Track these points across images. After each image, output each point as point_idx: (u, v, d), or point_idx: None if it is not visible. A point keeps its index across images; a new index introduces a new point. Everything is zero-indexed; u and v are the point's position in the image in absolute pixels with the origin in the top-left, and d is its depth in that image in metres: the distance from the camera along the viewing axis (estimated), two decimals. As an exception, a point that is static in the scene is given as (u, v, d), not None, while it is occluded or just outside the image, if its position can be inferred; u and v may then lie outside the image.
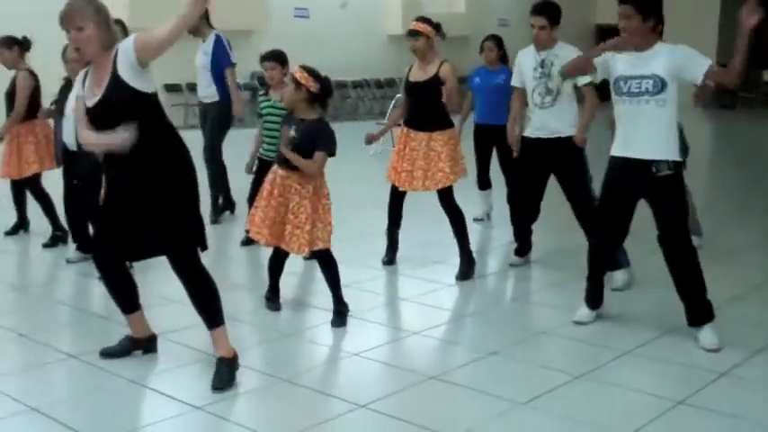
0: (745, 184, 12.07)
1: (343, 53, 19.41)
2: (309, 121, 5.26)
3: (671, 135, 5.01)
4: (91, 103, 4.28)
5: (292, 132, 5.25)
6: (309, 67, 5.29)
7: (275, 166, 5.41)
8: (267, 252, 7.32)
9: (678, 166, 5.05)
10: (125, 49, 4.17)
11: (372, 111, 20.44)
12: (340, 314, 5.45)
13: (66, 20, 4.19)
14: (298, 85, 5.19)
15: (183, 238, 4.39)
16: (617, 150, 5.14)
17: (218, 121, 8.54)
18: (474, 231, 8.34)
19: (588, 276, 5.44)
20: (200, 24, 8.53)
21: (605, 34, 6.63)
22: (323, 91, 5.27)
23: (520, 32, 6.53)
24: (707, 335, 5.02)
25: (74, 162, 6.49)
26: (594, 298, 5.45)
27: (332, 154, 5.32)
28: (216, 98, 8.53)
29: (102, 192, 4.47)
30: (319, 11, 20.88)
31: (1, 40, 7.52)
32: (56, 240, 7.56)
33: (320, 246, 5.32)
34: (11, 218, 7.95)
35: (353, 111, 20.56)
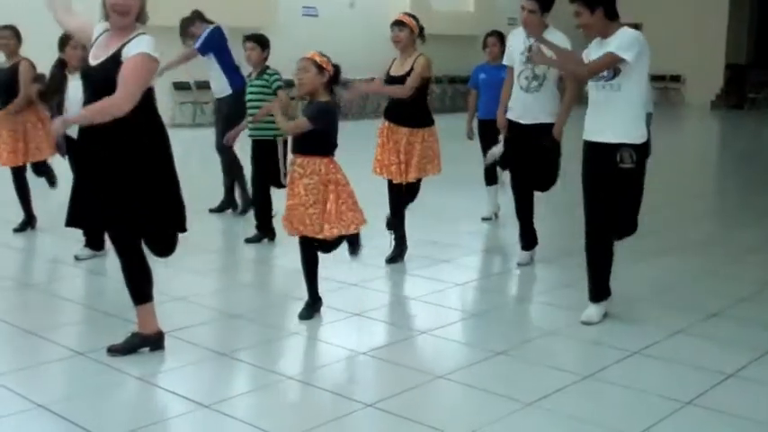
0: (752, 183, 12.05)
1: (351, 51, 19.30)
2: (314, 103, 5.27)
3: (630, 119, 5.18)
4: (94, 62, 4.55)
5: (298, 107, 5.29)
6: (321, 52, 5.33)
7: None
8: (274, 249, 7.36)
9: (640, 152, 5.18)
10: (133, 47, 4.44)
11: (380, 109, 20.37)
12: (310, 307, 5.47)
13: None
14: (321, 69, 5.20)
15: (131, 219, 4.58)
16: (584, 134, 5.35)
17: (230, 116, 8.55)
18: (481, 231, 8.37)
19: (587, 266, 5.45)
20: (191, 31, 8.64)
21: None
22: (336, 74, 5.31)
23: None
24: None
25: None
26: (596, 289, 5.44)
27: (325, 132, 5.23)
28: (228, 92, 8.57)
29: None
30: (327, 9, 20.91)
31: (13, 29, 7.77)
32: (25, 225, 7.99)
33: (326, 234, 5.26)
34: (18, 214, 7.97)
35: (361, 109, 20.56)
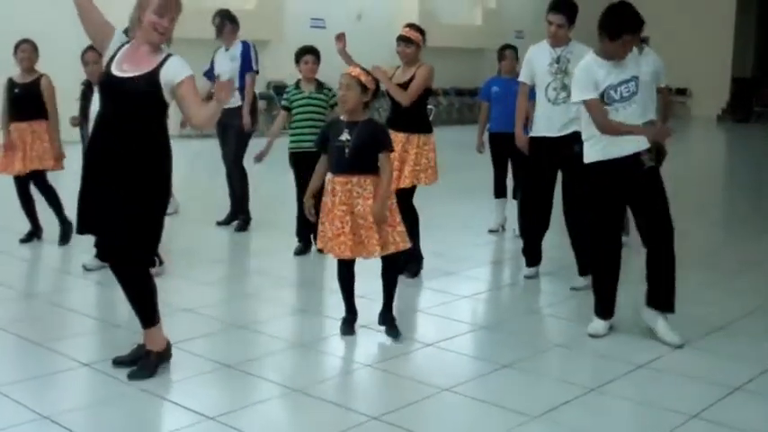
0: (760, 196, 12.04)
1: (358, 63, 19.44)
2: (364, 123, 5.22)
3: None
4: (122, 74, 4.47)
5: (346, 136, 5.21)
6: (365, 68, 5.30)
7: (330, 176, 5.29)
8: (282, 262, 7.35)
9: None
10: (173, 71, 4.47)
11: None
12: (389, 321, 5.43)
13: (173, 7, 4.51)
14: (365, 88, 5.18)
15: (130, 242, 4.50)
16: (604, 155, 5.27)
17: (241, 127, 8.53)
18: (488, 243, 8.36)
19: (595, 282, 5.46)
20: (228, 31, 8.59)
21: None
22: (376, 91, 5.31)
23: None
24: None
25: None
26: (603, 306, 5.44)
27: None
28: (239, 103, 8.52)
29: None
30: (335, 22, 20.96)
31: (32, 42, 7.75)
32: (67, 234, 7.82)
33: (392, 249, 5.25)
34: (25, 224, 7.97)
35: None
